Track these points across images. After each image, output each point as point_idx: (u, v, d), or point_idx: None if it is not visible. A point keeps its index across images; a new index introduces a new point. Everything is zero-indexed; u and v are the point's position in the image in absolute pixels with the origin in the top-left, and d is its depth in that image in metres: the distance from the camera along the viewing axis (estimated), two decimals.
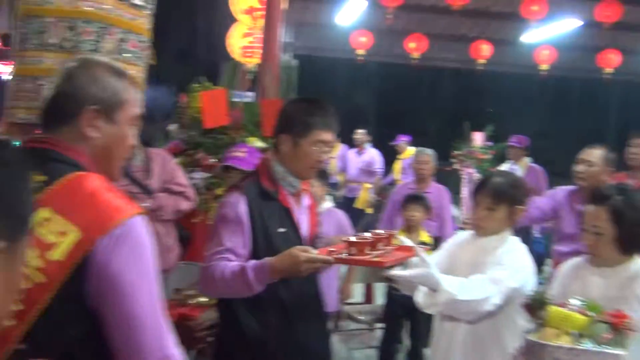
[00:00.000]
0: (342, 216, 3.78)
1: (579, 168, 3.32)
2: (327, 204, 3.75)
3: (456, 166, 8.32)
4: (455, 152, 8.80)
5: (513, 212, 2.28)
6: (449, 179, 9.69)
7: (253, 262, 1.96)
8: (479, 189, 2.33)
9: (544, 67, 8.43)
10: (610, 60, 8.39)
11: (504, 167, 7.06)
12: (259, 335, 2.07)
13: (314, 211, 2.30)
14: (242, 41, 6.21)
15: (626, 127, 10.05)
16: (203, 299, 2.74)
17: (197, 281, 2.96)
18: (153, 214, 3.33)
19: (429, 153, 4.65)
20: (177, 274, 3.60)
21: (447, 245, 2.48)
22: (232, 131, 4.08)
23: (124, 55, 3.48)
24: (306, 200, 2.26)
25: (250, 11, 5.80)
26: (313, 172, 2.21)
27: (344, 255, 2.00)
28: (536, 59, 8.43)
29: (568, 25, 7.09)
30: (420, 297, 2.16)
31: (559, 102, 14.85)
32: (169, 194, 3.41)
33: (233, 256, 1.99)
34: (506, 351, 2.12)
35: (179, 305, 2.72)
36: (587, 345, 1.76)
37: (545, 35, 7.69)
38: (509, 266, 2.15)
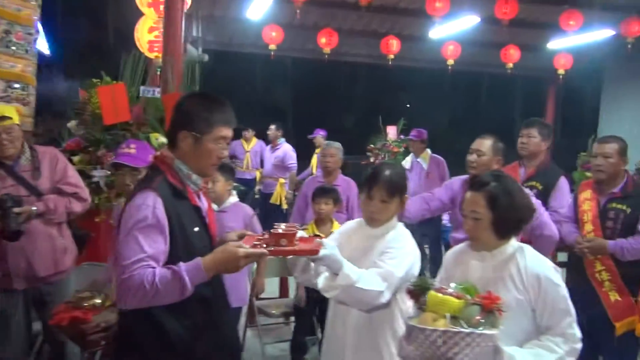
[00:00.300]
0: (248, 210, 3.76)
1: (471, 158, 3.46)
2: (233, 198, 3.72)
3: (372, 159, 8.51)
4: (371, 146, 9.01)
5: (403, 201, 2.41)
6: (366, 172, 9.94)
7: (184, 265, 1.91)
8: (371, 182, 2.38)
9: (450, 62, 8.72)
10: (511, 56, 8.80)
11: (408, 160, 7.28)
12: (185, 337, 2.03)
13: (211, 209, 2.28)
14: (148, 35, 6.05)
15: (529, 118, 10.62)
16: (97, 301, 2.64)
17: (94, 283, 2.87)
18: (43, 217, 3.19)
19: (335, 146, 4.70)
20: (79, 275, 3.47)
21: (335, 235, 2.56)
22: (134, 127, 3.97)
23: (11, 47, 3.29)
24: (203, 198, 2.24)
25: (154, 4, 5.65)
26: (214, 169, 2.19)
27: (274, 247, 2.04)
28: (444, 54, 8.71)
29: (469, 21, 7.36)
30: (321, 280, 2.24)
31: (467, 95, 15.45)
32: (59, 195, 3.25)
33: (154, 263, 1.91)
34: (397, 334, 2.19)
35: (72, 308, 2.61)
36: (462, 327, 1.82)
37: (450, 31, 7.94)
38: (397, 254, 2.25)
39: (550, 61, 9.15)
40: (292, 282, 4.98)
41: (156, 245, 1.93)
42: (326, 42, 8.15)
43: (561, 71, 9.13)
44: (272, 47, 7.97)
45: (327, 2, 7.89)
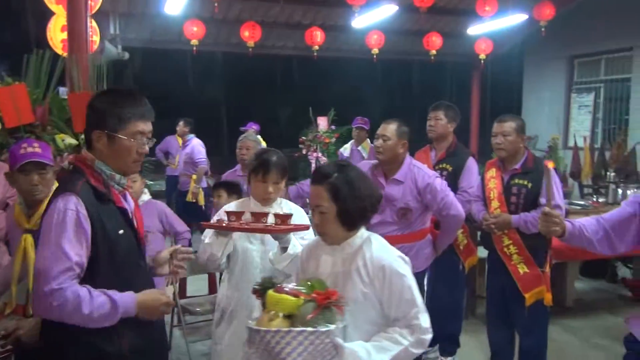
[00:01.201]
0: (160, 206, 3.72)
1: (377, 143, 3.51)
2: (145, 196, 3.66)
3: (304, 151, 8.53)
4: (302, 138, 9.02)
5: (285, 182, 2.80)
6: (299, 165, 9.93)
7: (121, 299, 1.92)
8: (265, 167, 2.72)
9: (375, 51, 8.81)
10: (434, 43, 8.98)
11: (347, 147, 7.36)
12: (116, 346, 1.99)
13: (137, 207, 2.24)
14: (61, 34, 5.86)
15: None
16: None
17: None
18: None
19: (252, 139, 4.67)
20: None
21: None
22: (38, 129, 3.83)
23: None
24: (129, 198, 2.19)
25: (63, 1, 5.46)
26: (137, 166, 2.13)
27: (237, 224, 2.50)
28: (368, 44, 8.80)
29: (388, 10, 7.45)
30: (271, 255, 2.64)
31: (396, 84, 15.70)
32: (3, 211, 3.17)
33: (79, 270, 1.89)
34: None
35: None
36: (297, 326, 1.80)
37: (371, 21, 8.03)
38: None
39: (471, 47, 9.38)
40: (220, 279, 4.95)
41: (80, 250, 1.89)
42: (250, 35, 8.08)
43: (482, 56, 9.38)
44: (195, 42, 7.86)
45: None
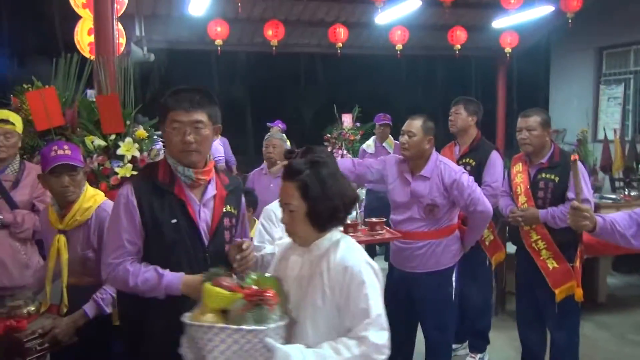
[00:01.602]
0: None
1: (402, 139, 3.49)
2: None
3: (329, 149, 8.53)
4: (327, 136, 9.04)
5: None
6: None
7: (167, 276, 2.11)
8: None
9: (399, 46, 8.76)
10: (458, 37, 8.90)
11: (370, 144, 7.34)
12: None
13: (219, 200, 2.28)
14: (88, 37, 5.95)
15: (483, 99, 10.77)
16: (31, 308, 2.61)
17: (25, 291, 2.84)
18: (9, 229, 3.26)
19: (278, 137, 4.69)
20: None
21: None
22: (68, 131, 3.90)
23: None
24: (211, 190, 2.26)
25: (89, 5, 5.55)
26: (187, 156, 2.17)
27: None
28: (392, 40, 8.75)
29: (412, 5, 7.40)
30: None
31: (421, 79, 15.59)
32: (32, 212, 3.32)
33: (132, 248, 2.14)
34: None
35: (5, 317, 2.57)
36: (233, 324, 1.70)
37: (395, 16, 7.99)
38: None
39: (497, 40, 9.25)
40: None
41: (133, 233, 2.13)
42: (273, 34, 8.11)
43: (508, 49, 9.26)
44: (219, 42, 7.92)
45: None
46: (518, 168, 3.72)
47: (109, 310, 2.70)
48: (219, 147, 7.99)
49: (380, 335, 1.79)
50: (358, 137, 8.48)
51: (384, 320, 1.83)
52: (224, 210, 2.27)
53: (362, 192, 6.93)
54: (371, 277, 1.87)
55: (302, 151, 1.96)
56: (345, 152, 8.34)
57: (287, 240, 2.09)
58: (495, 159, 3.99)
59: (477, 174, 3.86)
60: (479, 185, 3.66)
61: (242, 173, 8.05)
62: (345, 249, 1.93)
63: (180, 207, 2.16)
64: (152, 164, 2.35)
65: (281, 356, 1.71)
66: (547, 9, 7.97)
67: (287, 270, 2.00)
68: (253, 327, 1.69)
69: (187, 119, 2.12)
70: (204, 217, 2.22)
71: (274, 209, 2.86)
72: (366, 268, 1.88)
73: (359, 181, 3.76)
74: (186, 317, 1.80)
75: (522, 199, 3.65)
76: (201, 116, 2.14)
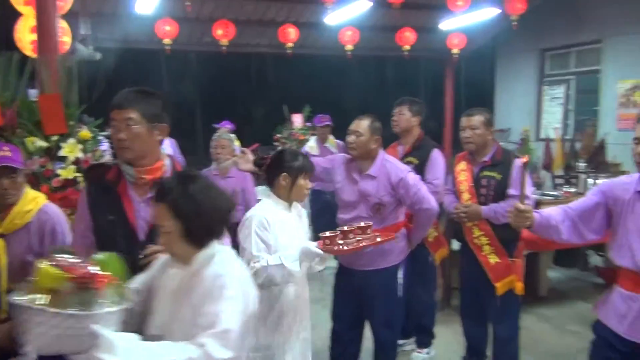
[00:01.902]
0: None
1: (350, 139, 3.54)
2: None
3: (279, 149, 8.53)
4: (277, 135, 9.04)
5: None
6: None
7: None
8: (311, 167, 3.12)
9: (349, 47, 8.83)
10: (407, 38, 9.03)
11: (313, 145, 7.37)
12: None
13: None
14: (30, 35, 5.78)
15: (432, 99, 10.98)
16: None
17: None
18: None
19: (226, 137, 4.68)
20: None
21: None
22: (8, 132, 3.79)
23: None
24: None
25: (31, 2, 5.40)
26: (121, 153, 2.23)
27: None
28: (341, 40, 8.80)
29: (362, 6, 7.47)
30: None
31: (371, 80, 15.72)
32: None
33: (87, 239, 2.24)
34: None
35: None
36: (58, 307, 1.60)
37: (345, 17, 8.05)
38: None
39: (444, 42, 9.42)
40: None
41: (83, 227, 2.27)
42: (223, 33, 8.05)
43: (455, 51, 9.44)
44: (167, 41, 7.82)
45: None
46: (462, 166, 3.83)
47: None
48: (168, 148, 7.88)
49: (221, 352, 1.69)
50: (308, 137, 8.51)
51: (232, 338, 1.73)
52: None
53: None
54: (237, 293, 1.80)
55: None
56: None
57: None
58: (437, 157, 4.10)
59: (421, 172, 3.96)
60: None
61: None
62: (219, 262, 1.88)
63: (118, 204, 2.22)
64: (108, 163, 2.44)
65: (104, 342, 1.58)
66: (493, 12, 8.19)
67: (169, 280, 1.95)
68: (74, 311, 1.58)
69: (119, 117, 2.19)
70: (144, 214, 2.22)
71: (265, 215, 2.83)
72: (235, 283, 1.82)
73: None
74: (15, 295, 1.67)
75: (465, 196, 3.76)
76: (132, 113, 2.17)
